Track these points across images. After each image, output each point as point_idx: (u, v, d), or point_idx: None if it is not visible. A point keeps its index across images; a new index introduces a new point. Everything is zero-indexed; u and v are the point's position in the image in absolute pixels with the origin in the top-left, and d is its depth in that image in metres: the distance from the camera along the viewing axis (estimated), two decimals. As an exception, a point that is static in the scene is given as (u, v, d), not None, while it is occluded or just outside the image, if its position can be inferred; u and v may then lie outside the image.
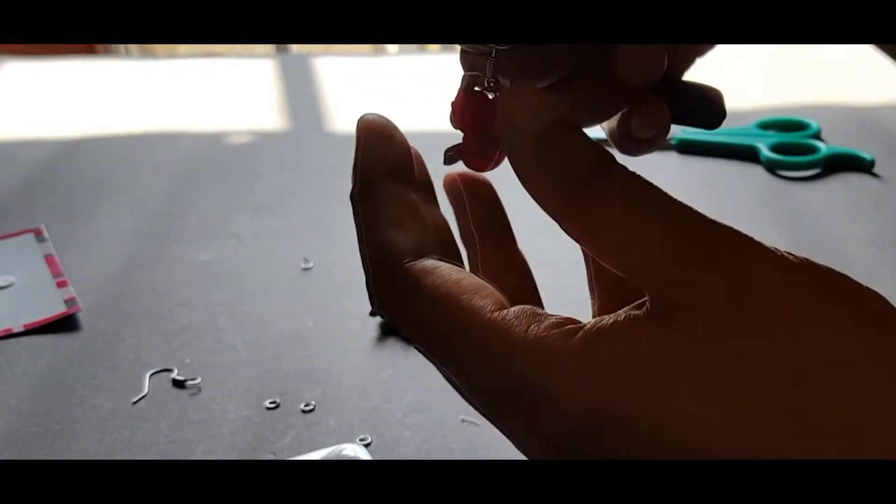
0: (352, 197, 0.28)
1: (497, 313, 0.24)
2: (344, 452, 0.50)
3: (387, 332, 0.62)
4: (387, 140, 0.29)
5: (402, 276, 0.26)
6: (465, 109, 0.30)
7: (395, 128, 0.29)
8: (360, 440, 0.53)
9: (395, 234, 0.27)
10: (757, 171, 0.82)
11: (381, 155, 0.28)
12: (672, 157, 0.84)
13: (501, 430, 0.25)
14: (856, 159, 0.81)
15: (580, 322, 0.23)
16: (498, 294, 0.25)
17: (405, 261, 0.26)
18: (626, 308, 0.23)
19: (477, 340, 0.24)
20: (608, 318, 0.23)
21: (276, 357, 0.60)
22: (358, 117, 0.29)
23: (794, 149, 0.83)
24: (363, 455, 0.50)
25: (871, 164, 0.81)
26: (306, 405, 0.56)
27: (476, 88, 0.30)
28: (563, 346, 0.23)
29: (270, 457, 0.52)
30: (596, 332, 0.23)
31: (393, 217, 0.27)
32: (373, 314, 0.63)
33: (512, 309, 0.24)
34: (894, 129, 0.89)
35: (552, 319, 0.24)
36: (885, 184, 0.80)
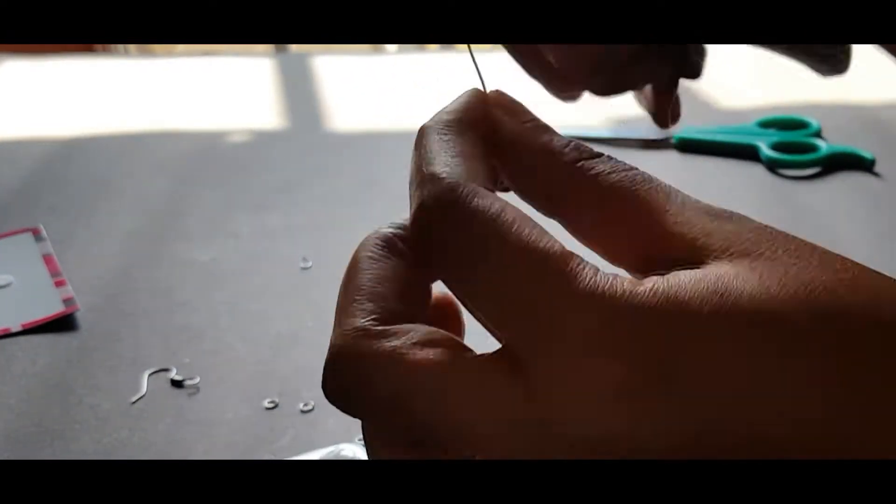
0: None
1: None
2: (343, 452, 0.50)
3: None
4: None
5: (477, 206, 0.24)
6: None
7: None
8: (360, 440, 0.52)
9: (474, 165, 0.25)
10: (757, 170, 0.82)
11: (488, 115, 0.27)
12: (672, 156, 0.84)
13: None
14: (856, 158, 0.81)
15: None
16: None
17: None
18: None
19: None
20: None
21: (276, 357, 0.60)
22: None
23: (794, 147, 0.83)
24: (362, 455, 0.50)
25: (872, 162, 0.81)
26: (305, 405, 0.55)
27: None
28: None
29: (269, 457, 0.52)
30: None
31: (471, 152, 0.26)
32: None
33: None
34: (895, 128, 0.89)
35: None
36: (886, 183, 0.79)
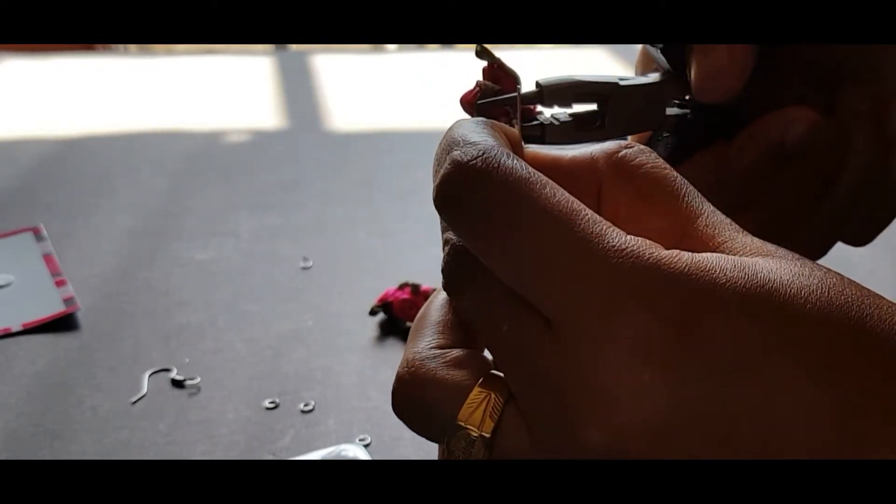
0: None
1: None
2: (344, 453, 0.50)
3: (387, 331, 0.62)
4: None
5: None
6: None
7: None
8: (360, 440, 0.52)
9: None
10: (757, 170, 0.82)
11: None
12: (672, 156, 0.84)
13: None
14: (856, 158, 0.81)
15: None
16: None
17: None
18: None
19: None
20: None
21: (276, 357, 0.60)
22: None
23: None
24: (363, 455, 0.50)
25: (872, 162, 0.81)
26: (306, 405, 0.55)
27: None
28: None
29: (270, 457, 0.52)
30: None
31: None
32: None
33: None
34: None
35: None
36: (886, 183, 0.79)
